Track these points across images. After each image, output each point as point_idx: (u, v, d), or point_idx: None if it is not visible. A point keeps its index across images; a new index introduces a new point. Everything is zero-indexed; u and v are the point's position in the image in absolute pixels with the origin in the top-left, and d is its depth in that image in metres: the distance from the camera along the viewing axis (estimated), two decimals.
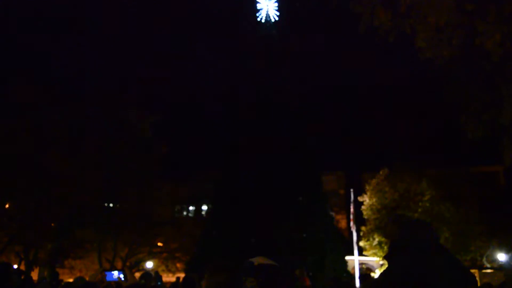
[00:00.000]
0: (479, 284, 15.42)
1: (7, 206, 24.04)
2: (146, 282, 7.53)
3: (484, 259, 28.43)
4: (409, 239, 3.12)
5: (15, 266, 23.96)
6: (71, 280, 12.25)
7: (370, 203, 29.65)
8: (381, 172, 30.02)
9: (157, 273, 12.65)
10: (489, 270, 24.44)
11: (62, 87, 25.28)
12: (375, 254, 28.50)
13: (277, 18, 26.88)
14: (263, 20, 26.78)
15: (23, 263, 24.03)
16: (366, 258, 28.04)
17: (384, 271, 3.28)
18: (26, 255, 23.76)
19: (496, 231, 27.45)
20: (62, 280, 10.76)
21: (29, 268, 23.35)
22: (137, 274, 26.93)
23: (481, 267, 26.11)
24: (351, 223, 23.21)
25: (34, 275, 23.90)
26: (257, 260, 2.27)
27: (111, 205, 28.29)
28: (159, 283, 10.06)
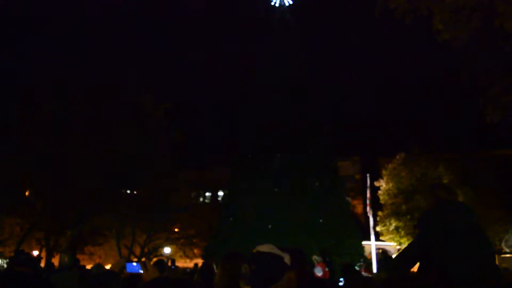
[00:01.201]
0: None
1: (27, 193, 24.50)
2: (165, 270, 7.54)
3: (503, 243, 28.15)
4: (442, 217, 3.10)
5: (36, 253, 24.55)
6: (89, 266, 12.48)
7: (387, 188, 29.49)
8: (397, 157, 29.78)
9: (172, 260, 12.83)
10: (508, 255, 24.21)
11: (79, 74, 25.45)
12: (392, 239, 28.44)
13: (291, 2, 26.51)
14: (277, 4, 26.45)
15: (44, 249, 24.57)
16: (383, 243, 28.02)
17: (411, 242, 3.28)
18: (46, 242, 24.25)
19: None
20: (84, 266, 10.97)
21: (50, 255, 23.86)
22: (155, 259, 27.30)
23: (499, 252, 25.87)
24: (368, 208, 23.08)
25: (55, 261, 24.44)
26: (259, 248, 2.28)
27: (128, 191, 28.61)
28: (172, 267, 10.26)
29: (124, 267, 3.13)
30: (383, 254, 12.04)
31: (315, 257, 11.87)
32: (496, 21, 7.32)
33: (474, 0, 7.47)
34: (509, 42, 7.62)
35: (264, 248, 2.28)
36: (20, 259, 4.73)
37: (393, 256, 12.70)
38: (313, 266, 10.97)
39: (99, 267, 5.73)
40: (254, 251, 2.29)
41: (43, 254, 23.70)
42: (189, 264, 28.46)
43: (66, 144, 22.03)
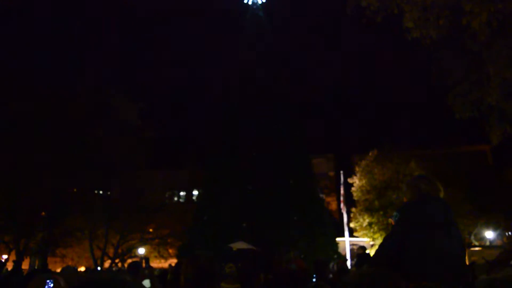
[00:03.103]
0: (468, 262, 15.64)
1: None
2: (139, 272, 7.32)
3: (472, 237, 28.89)
4: (412, 213, 3.10)
5: (5, 256, 23.85)
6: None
7: (360, 184, 29.87)
8: (370, 154, 30.20)
9: (146, 259, 12.70)
10: (476, 248, 24.85)
11: (50, 75, 24.88)
12: (365, 235, 28.81)
13: (264, 0, 26.51)
14: (250, 2, 26.40)
15: (13, 253, 23.87)
16: (357, 239, 28.36)
17: (386, 236, 3.26)
18: (16, 245, 23.59)
19: (483, 209, 27.85)
20: (49, 270, 10.69)
21: (20, 258, 23.22)
22: (130, 261, 26.91)
23: (469, 245, 26.53)
24: (342, 205, 23.36)
25: (25, 264, 23.80)
26: (236, 246, 2.30)
27: (101, 192, 28.12)
28: (146, 266, 10.13)
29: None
30: (362, 249, 12.16)
31: (292, 253, 11.95)
32: (463, 20, 7.48)
33: None
34: (476, 40, 7.79)
35: (238, 245, 2.29)
36: None
37: (367, 251, 12.86)
38: (290, 262, 11.02)
39: (69, 269, 5.57)
40: (235, 249, 2.30)
41: (13, 258, 23.00)
42: (164, 264, 28.19)
43: (34, 144, 21.45)
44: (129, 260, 27.88)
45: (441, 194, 3.32)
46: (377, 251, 3.20)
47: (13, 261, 14.81)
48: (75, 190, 23.01)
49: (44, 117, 22.36)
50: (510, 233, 29.92)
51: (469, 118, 9.22)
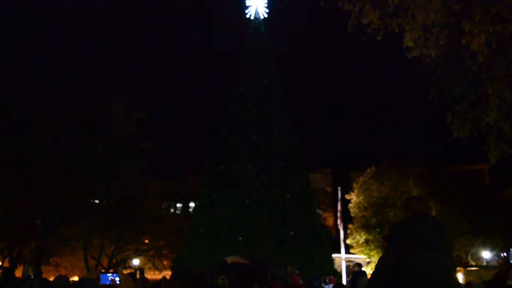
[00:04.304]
0: (464, 282, 15.52)
1: None
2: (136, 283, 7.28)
3: (469, 256, 28.75)
4: (406, 231, 3.10)
5: None
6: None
7: (357, 201, 29.79)
8: (368, 170, 30.16)
9: (140, 270, 12.63)
10: (473, 268, 24.70)
11: (47, 83, 24.96)
12: (362, 252, 28.66)
13: (266, 16, 26.73)
14: (252, 17, 26.61)
15: (7, 260, 23.69)
16: (353, 256, 28.22)
17: (381, 256, 3.26)
18: (10, 252, 23.42)
19: (481, 229, 27.75)
20: (45, 279, 10.61)
21: (13, 266, 23.02)
22: (124, 272, 26.59)
23: (466, 265, 26.38)
24: (338, 221, 23.28)
25: (18, 272, 23.58)
26: (231, 259, 2.30)
27: (97, 201, 27.99)
28: (141, 276, 10.10)
29: (99, 279, 3.02)
30: (357, 266, 12.09)
31: (289, 268, 11.88)
32: (463, 40, 7.57)
33: (442, 19, 7.69)
34: (475, 60, 7.87)
35: (233, 259, 2.29)
36: None
37: (363, 268, 12.78)
38: (286, 277, 10.92)
39: (61, 278, 5.52)
40: (229, 262, 2.30)
41: (6, 265, 22.79)
42: (158, 276, 27.95)
43: (31, 150, 21.40)
44: (124, 272, 27.65)
45: (433, 214, 3.33)
46: (372, 277, 3.22)
47: (3, 268, 14.64)
48: (71, 198, 22.88)
49: (42, 124, 22.37)
50: (505, 254, 29.76)
51: (467, 137, 9.25)
